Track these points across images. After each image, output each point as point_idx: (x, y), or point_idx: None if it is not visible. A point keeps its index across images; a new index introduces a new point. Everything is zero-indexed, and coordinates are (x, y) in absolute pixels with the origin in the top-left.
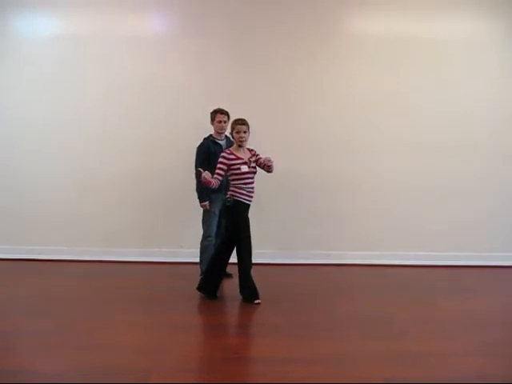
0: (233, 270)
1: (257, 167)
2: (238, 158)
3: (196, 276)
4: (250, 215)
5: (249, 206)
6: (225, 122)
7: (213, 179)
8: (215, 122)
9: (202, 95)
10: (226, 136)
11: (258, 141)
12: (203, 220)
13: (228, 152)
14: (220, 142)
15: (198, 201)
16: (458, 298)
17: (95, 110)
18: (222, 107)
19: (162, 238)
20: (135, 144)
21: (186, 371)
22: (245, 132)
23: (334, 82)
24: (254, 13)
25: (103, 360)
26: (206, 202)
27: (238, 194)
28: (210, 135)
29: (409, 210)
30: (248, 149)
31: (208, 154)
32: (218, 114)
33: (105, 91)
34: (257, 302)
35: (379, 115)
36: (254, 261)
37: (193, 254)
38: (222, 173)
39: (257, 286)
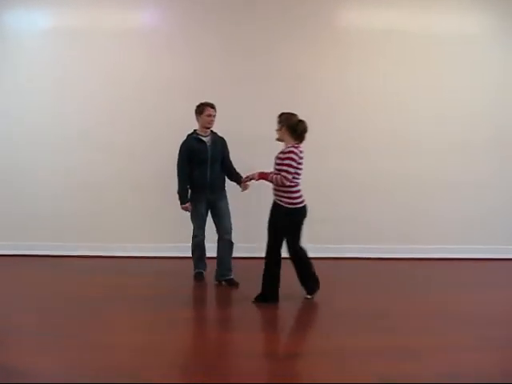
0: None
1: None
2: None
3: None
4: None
5: (274, 203)
6: (214, 116)
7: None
8: (203, 115)
9: (197, 91)
10: (211, 132)
11: (252, 140)
12: (191, 220)
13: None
14: (204, 138)
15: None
16: (457, 291)
17: (90, 103)
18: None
19: (158, 234)
20: (129, 138)
21: (180, 368)
22: None
23: (327, 78)
24: (244, 6)
25: (97, 358)
26: (187, 204)
27: None
28: (195, 131)
29: (406, 205)
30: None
31: (191, 151)
32: (207, 108)
33: (99, 85)
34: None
35: (376, 111)
36: (250, 255)
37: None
38: None
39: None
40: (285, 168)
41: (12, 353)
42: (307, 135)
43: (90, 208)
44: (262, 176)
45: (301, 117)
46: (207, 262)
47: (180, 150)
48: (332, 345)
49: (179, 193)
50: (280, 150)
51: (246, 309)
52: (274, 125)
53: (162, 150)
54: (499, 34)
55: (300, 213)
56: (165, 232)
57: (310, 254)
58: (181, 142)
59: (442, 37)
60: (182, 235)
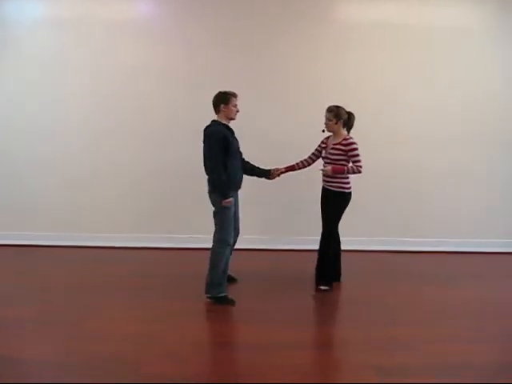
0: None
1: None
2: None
3: (192, 263)
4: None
5: (324, 189)
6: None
7: None
8: (231, 105)
9: (191, 81)
10: None
11: (250, 134)
12: (222, 222)
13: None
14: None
15: (205, 189)
16: (456, 284)
17: (85, 93)
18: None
19: (158, 224)
20: (127, 129)
21: (176, 358)
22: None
23: (326, 72)
24: (242, 1)
25: (94, 349)
26: (231, 198)
27: None
28: (216, 121)
29: (405, 198)
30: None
31: (228, 140)
32: (233, 98)
33: (94, 75)
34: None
35: (375, 104)
36: (255, 246)
37: (188, 240)
38: None
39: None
40: (358, 158)
41: (10, 343)
42: (305, 130)
43: (88, 200)
44: (337, 169)
45: (299, 111)
46: (201, 254)
47: (216, 138)
48: (330, 336)
49: (221, 185)
50: (323, 140)
51: (246, 301)
52: (273, 120)
53: (159, 144)
54: (493, 28)
55: (346, 198)
56: (163, 225)
57: (310, 247)
58: (181, 129)
59: (440, 30)
60: (180, 228)
